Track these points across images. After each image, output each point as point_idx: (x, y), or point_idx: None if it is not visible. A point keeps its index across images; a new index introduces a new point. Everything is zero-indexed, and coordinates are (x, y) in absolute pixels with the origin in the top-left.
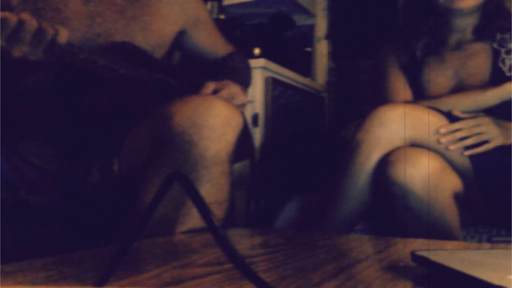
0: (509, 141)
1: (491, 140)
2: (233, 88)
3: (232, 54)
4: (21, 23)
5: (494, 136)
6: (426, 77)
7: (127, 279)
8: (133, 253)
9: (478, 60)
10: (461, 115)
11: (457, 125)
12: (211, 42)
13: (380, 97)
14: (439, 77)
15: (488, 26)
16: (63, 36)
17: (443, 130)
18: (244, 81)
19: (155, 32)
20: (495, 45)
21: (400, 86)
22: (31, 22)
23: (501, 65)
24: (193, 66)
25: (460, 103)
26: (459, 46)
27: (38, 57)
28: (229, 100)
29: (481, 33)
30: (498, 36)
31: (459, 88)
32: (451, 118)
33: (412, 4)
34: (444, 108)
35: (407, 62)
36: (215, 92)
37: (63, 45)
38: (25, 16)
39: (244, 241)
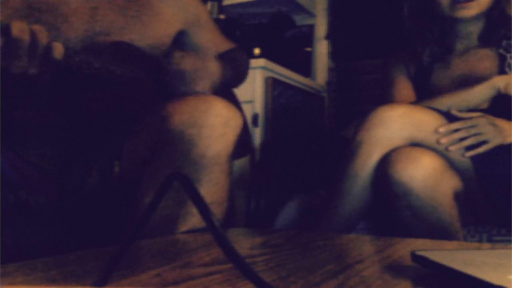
0: (507, 141)
1: (489, 140)
2: (202, 55)
3: (231, 50)
4: (13, 40)
5: (492, 136)
6: (433, 83)
7: (127, 279)
8: (133, 253)
9: (485, 65)
10: (459, 115)
11: (455, 125)
12: (212, 41)
13: (386, 102)
14: (446, 82)
15: (493, 33)
16: (58, 52)
17: (441, 130)
18: (234, 69)
19: (154, 32)
20: (501, 51)
21: (405, 92)
22: (23, 37)
23: (507, 69)
24: None
25: (452, 102)
26: (465, 52)
27: (36, 70)
28: (195, 62)
29: (487, 39)
30: (505, 42)
31: None
32: (450, 117)
33: (417, 12)
34: (439, 107)
35: (414, 69)
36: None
37: (59, 60)
38: (16, 30)
39: (244, 241)
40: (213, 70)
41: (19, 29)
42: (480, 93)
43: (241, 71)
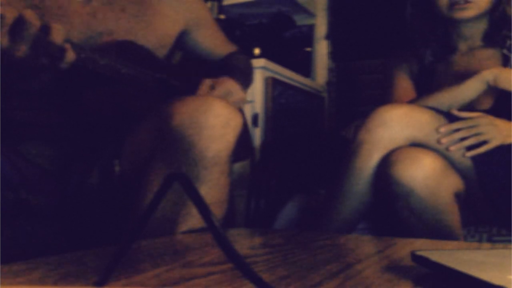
0: (508, 141)
1: (490, 140)
2: (229, 84)
3: (234, 53)
4: (22, 21)
5: (492, 136)
6: (437, 83)
7: (127, 279)
8: (133, 253)
9: (488, 66)
10: (460, 115)
11: (456, 125)
12: (214, 42)
13: (386, 101)
14: (450, 83)
15: (495, 33)
16: (70, 57)
17: (442, 130)
18: (244, 79)
19: (157, 31)
20: (504, 51)
21: (405, 92)
22: (35, 21)
23: None
24: (193, 66)
25: (445, 99)
26: (469, 52)
27: (41, 57)
28: (226, 96)
29: (490, 39)
30: (508, 42)
31: None
32: (450, 117)
33: (419, 12)
34: (433, 105)
35: (417, 69)
36: (212, 87)
37: (58, 44)
38: (29, 14)
39: (244, 241)
40: (241, 99)
41: (31, 15)
42: (471, 88)
43: (250, 79)
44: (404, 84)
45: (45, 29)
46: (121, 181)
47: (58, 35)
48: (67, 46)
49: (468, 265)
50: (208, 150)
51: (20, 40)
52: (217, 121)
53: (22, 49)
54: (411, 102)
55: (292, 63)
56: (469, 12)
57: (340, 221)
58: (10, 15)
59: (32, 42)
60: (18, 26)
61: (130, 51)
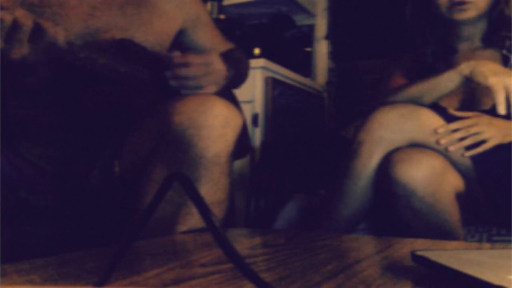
0: (507, 140)
1: (489, 140)
2: (211, 56)
3: (231, 50)
4: (17, 23)
5: (491, 135)
6: None
7: (127, 279)
8: (133, 253)
9: None
10: (458, 115)
11: (454, 125)
12: (211, 41)
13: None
14: None
15: (494, 34)
16: (61, 40)
17: (441, 130)
18: (237, 70)
19: (155, 30)
20: (504, 52)
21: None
22: (27, 22)
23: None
24: None
25: (420, 90)
26: (469, 53)
27: (37, 57)
28: (205, 66)
29: (490, 40)
30: (507, 42)
31: (470, 94)
32: (449, 117)
33: (419, 13)
34: (408, 96)
35: (418, 70)
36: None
37: (60, 45)
38: (21, 15)
39: (244, 241)
40: (220, 73)
41: (23, 13)
42: (448, 80)
43: (243, 72)
44: (398, 82)
45: (38, 27)
46: (121, 181)
47: (56, 33)
48: (59, 33)
49: (468, 265)
50: (208, 150)
51: (15, 43)
52: (217, 121)
53: (17, 51)
54: (394, 90)
55: (292, 63)
56: (468, 13)
57: (340, 221)
58: (8, 18)
59: (28, 42)
60: (12, 29)
61: (128, 50)
